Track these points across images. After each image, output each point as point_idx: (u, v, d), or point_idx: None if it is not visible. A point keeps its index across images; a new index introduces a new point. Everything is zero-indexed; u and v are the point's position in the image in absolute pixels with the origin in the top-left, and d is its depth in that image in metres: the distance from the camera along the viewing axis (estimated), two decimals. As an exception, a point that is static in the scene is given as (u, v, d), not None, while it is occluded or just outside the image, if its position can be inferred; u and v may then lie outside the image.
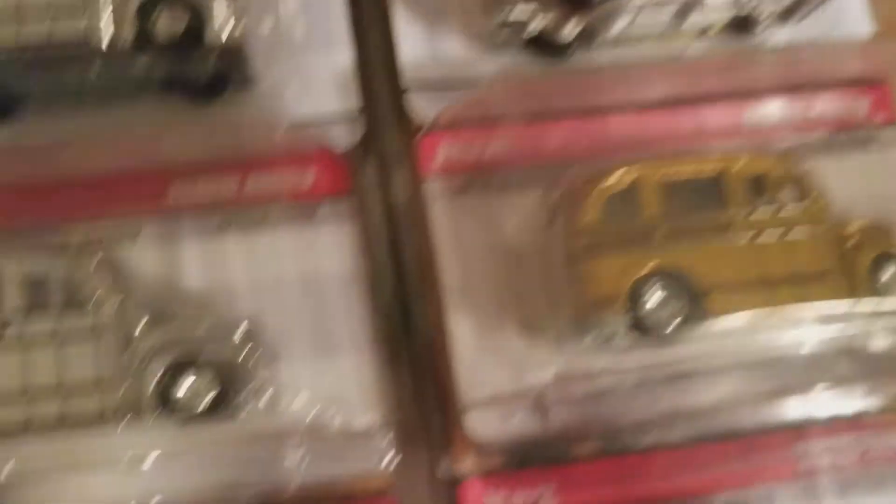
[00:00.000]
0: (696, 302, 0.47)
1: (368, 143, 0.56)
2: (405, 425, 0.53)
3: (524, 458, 0.52)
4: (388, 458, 0.51)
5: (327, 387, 0.51)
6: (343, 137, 0.55)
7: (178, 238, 0.53)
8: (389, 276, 0.55)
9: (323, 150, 0.54)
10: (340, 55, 0.57)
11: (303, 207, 0.54)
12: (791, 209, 0.50)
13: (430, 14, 0.57)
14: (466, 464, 0.53)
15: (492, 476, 0.52)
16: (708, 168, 0.50)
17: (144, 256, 0.52)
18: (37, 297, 0.43)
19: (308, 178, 0.54)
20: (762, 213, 0.49)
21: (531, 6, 0.54)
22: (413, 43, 0.57)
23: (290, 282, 0.53)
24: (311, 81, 0.56)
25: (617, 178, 0.49)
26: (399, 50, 0.57)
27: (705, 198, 0.49)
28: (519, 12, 0.54)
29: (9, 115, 0.53)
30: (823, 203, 0.51)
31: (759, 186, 0.50)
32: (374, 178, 0.56)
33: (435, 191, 0.55)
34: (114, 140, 0.53)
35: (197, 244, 0.53)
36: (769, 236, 0.49)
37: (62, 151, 0.53)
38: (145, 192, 0.53)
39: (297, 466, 0.49)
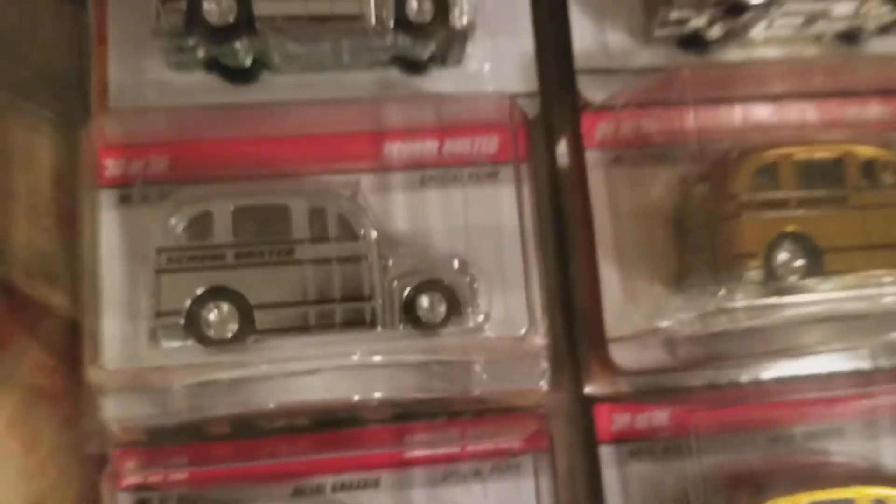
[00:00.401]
0: (816, 259, 0.60)
1: (543, 118, 0.68)
2: (559, 353, 0.66)
3: (651, 388, 0.66)
4: (545, 379, 0.64)
5: (503, 316, 0.64)
6: (523, 112, 0.67)
7: (390, 189, 0.65)
8: (554, 230, 0.68)
9: (506, 122, 0.66)
10: (525, 42, 0.68)
11: (488, 169, 0.66)
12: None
13: (600, 10, 0.69)
14: (604, 387, 0.66)
15: (621, 401, 0.66)
16: (832, 152, 0.62)
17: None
18: (319, 227, 0.55)
19: (493, 144, 0.66)
20: (871, 191, 0.61)
21: (688, 10, 0.65)
22: (584, 34, 0.68)
23: (477, 230, 0.65)
24: (502, 63, 0.67)
25: (763, 156, 0.61)
26: (572, 40, 0.68)
27: (828, 176, 0.61)
28: (677, 14, 0.65)
29: (256, 79, 0.64)
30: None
31: (869, 169, 0.62)
32: (546, 147, 0.69)
33: (594, 160, 0.67)
34: (343, 104, 0.65)
35: (404, 196, 0.65)
36: (876, 211, 0.61)
37: (299, 111, 0.65)
38: (365, 151, 0.65)
39: (480, 377, 0.63)
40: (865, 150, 0.61)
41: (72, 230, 0.64)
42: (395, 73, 0.65)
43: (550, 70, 0.68)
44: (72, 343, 0.62)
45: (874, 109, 0.70)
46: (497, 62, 0.66)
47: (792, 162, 0.60)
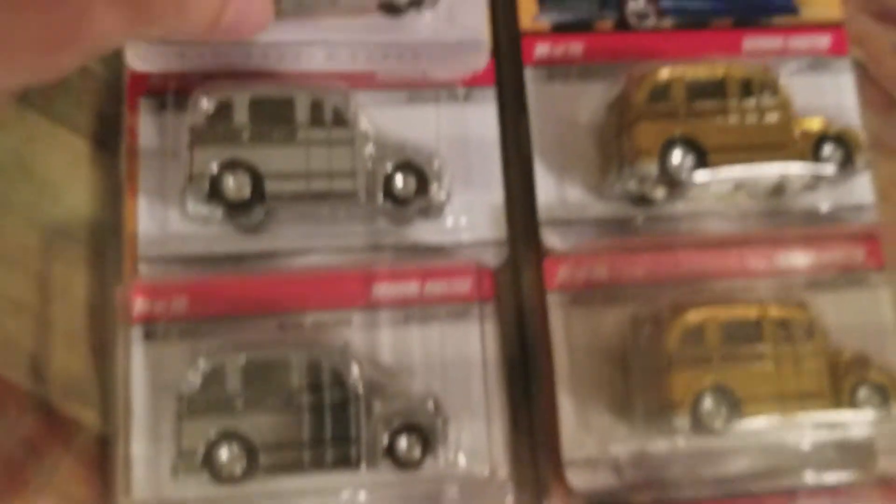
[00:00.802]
0: (735, 406, 0.71)
1: (511, 262, 0.79)
2: (522, 475, 0.76)
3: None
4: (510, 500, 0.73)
5: (473, 447, 0.72)
6: (493, 257, 0.78)
7: (378, 326, 0.76)
8: (521, 362, 0.78)
9: (478, 267, 0.77)
10: (496, 197, 0.78)
11: (461, 308, 0.77)
12: (803, 344, 0.73)
13: (560, 170, 0.79)
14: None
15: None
16: (752, 312, 0.73)
17: (354, 339, 0.75)
18: (315, 379, 0.66)
19: (467, 286, 0.77)
20: (786, 345, 0.72)
21: (635, 184, 0.76)
22: (547, 190, 0.79)
23: (450, 364, 0.76)
24: (476, 215, 0.77)
25: (692, 316, 0.72)
26: (537, 195, 0.79)
27: (750, 334, 0.72)
28: (625, 187, 0.76)
29: (265, 231, 0.75)
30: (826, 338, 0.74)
31: (786, 326, 0.73)
32: (513, 288, 0.79)
33: (554, 301, 0.78)
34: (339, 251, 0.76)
35: (390, 331, 0.76)
36: (790, 364, 0.72)
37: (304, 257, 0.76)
38: (356, 290, 0.75)
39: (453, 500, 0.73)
40: (780, 311, 0.71)
41: (103, 357, 0.75)
42: (384, 225, 0.76)
43: (518, 221, 0.79)
44: (102, 455, 0.73)
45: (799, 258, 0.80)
46: (472, 215, 0.77)
47: (716, 324, 0.70)
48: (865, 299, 0.80)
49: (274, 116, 0.67)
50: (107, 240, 0.77)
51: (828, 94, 0.82)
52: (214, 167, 0.65)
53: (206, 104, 0.67)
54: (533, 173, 0.78)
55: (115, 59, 0.78)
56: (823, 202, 0.81)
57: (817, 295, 0.78)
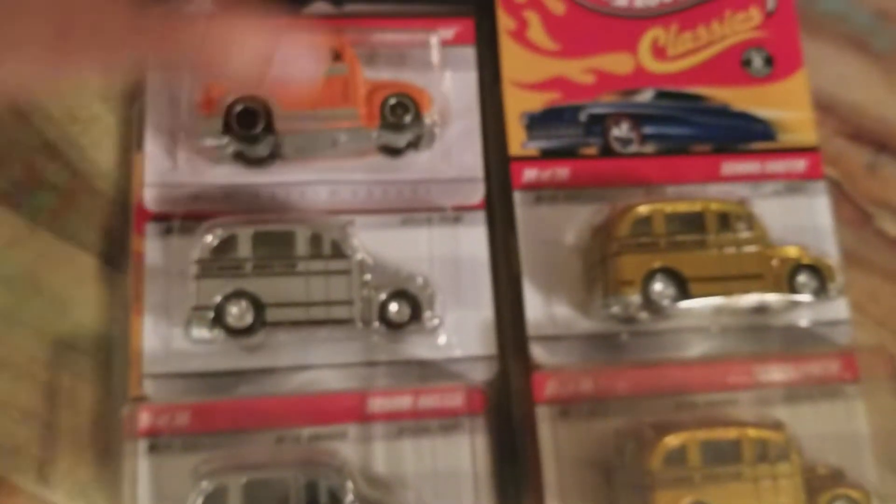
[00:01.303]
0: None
1: (501, 377, 0.82)
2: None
3: None
4: None
5: None
6: (484, 371, 0.82)
7: (372, 439, 0.79)
8: (511, 472, 0.81)
9: (469, 383, 0.80)
10: (486, 314, 0.82)
11: (452, 421, 0.80)
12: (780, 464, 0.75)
13: (548, 290, 0.83)
14: None
15: None
16: (730, 434, 0.76)
17: (348, 451, 0.78)
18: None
19: (458, 400, 0.80)
20: (763, 464, 0.75)
21: (620, 310, 0.80)
22: (535, 307, 0.83)
23: (443, 475, 0.79)
24: (467, 332, 0.81)
25: (670, 440, 0.75)
26: (525, 312, 0.83)
27: (729, 455, 0.75)
28: (613, 310, 0.80)
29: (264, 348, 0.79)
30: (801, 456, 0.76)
31: (763, 446, 0.76)
32: (503, 402, 0.83)
33: (542, 414, 0.81)
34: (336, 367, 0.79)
35: (383, 445, 0.79)
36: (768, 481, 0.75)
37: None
38: (352, 405, 0.78)
39: None
40: (759, 432, 0.74)
41: (107, 462, 0.78)
42: (379, 342, 0.79)
43: (507, 337, 0.83)
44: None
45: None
46: (463, 333, 0.80)
47: (696, 442, 0.73)
48: (840, 410, 0.83)
49: (276, 249, 0.71)
50: (113, 353, 0.80)
51: (803, 216, 0.86)
52: (218, 298, 0.69)
53: (211, 239, 0.71)
54: (522, 291, 0.82)
55: (122, 181, 0.83)
56: (802, 319, 0.84)
57: (795, 406, 0.81)
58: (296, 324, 0.70)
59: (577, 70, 0.86)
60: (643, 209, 0.77)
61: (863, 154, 0.94)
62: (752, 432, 0.73)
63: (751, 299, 0.76)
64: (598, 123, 0.86)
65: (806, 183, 0.87)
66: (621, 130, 0.86)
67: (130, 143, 0.83)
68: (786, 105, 0.89)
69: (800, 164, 0.87)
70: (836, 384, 0.83)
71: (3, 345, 0.80)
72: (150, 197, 0.80)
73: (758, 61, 0.90)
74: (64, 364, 0.81)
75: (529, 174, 0.85)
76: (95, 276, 0.83)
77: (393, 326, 0.73)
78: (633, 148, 0.86)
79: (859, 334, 0.88)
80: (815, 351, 0.81)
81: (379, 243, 0.80)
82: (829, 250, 0.85)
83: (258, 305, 0.70)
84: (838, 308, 0.84)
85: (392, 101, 0.77)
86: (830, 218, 0.86)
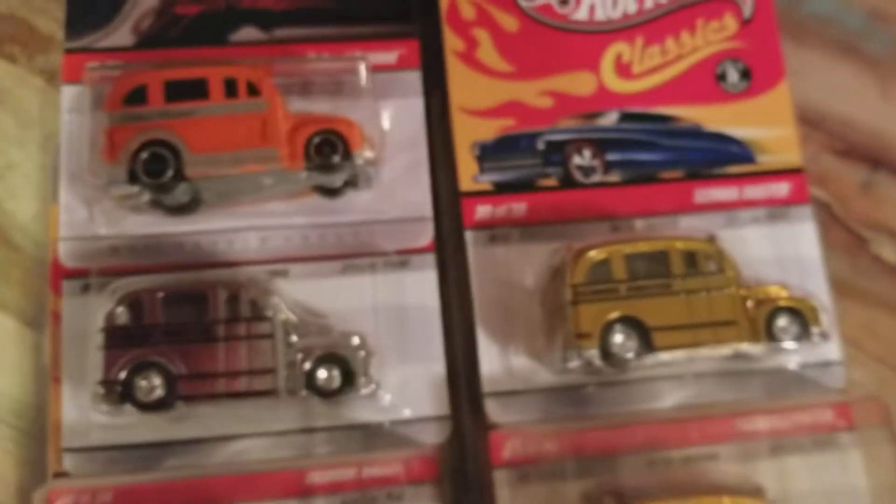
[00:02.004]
0: None
1: (455, 438, 0.75)
2: None
3: None
4: None
5: None
6: (435, 433, 0.74)
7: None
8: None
9: (418, 449, 0.73)
10: (437, 369, 0.75)
11: (398, 490, 0.72)
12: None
13: (505, 339, 0.76)
14: None
15: None
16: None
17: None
18: None
19: (413, 468, 0.73)
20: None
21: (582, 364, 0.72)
22: (491, 360, 0.76)
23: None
24: (415, 390, 0.74)
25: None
26: (480, 365, 0.76)
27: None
28: (572, 365, 0.72)
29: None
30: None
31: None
32: (458, 465, 0.75)
33: (501, 478, 0.74)
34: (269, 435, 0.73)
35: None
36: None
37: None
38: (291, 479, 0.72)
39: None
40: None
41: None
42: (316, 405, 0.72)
43: (461, 395, 0.75)
44: None
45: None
46: (411, 391, 0.73)
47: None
48: (835, 461, 0.75)
49: (188, 314, 0.64)
50: (34, 422, 0.74)
51: (787, 245, 0.78)
52: (124, 372, 0.62)
53: (118, 306, 0.64)
54: (475, 342, 0.74)
55: (42, 234, 0.77)
56: (789, 362, 0.76)
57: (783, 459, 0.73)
58: (213, 397, 0.63)
59: (533, 93, 0.79)
60: (600, 252, 0.69)
61: (856, 172, 0.85)
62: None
63: (724, 350, 0.68)
64: (558, 151, 0.78)
65: (790, 208, 0.79)
66: (583, 158, 0.78)
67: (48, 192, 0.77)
68: (766, 122, 0.80)
69: (782, 188, 0.79)
70: (828, 433, 0.74)
71: (-86, 417, 0.74)
72: (65, 251, 0.73)
73: (733, 75, 0.81)
74: (-17, 435, 0.75)
75: (483, 211, 0.77)
76: (13, 339, 0.77)
77: (323, 395, 0.65)
78: (597, 177, 0.78)
79: (856, 373, 0.79)
80: (802, 402, 0.73)
81: (316, 294, 0.74)
82: (817, 284, 0.77)
83: (169, 377, 0.63)
84: (829, 348, 0.76)
85: (317, 139, 0.69)
86: (818, 246, 0.78)
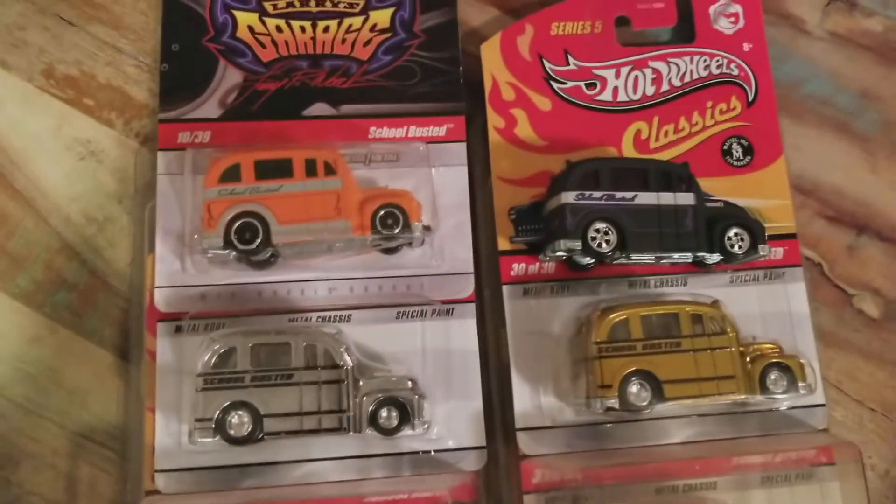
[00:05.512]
0: None
1: (492, 466, 0.87)
2: None
3: None
4: None
5: None
6: (474, 461, 0.87)
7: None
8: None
9: (460, 474, 0.85)
10: (475, 406, 0.87)
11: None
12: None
13: (534, 381, 0.88)
14: None
15: None
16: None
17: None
18: None
19: (456, 491, 0.84)
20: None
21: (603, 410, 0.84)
22: (522, 398, 0.88)
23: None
24: (457, 424, 0.85)
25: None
26: (513, 403, 0.88)
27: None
28: (595, 410, 0.84)
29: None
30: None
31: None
32: (492, 490, 0.88)
33: (531, 501, 0.86)
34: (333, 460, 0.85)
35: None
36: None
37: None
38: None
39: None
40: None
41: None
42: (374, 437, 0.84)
43: (496, 427, 0.87)
44: None
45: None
46: (453, 424, 0.85)
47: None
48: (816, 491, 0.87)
49: (273, 360, 0.76)
50: (129, 444, 0.86)
51: (780, 302, 0.90)
52: (219, 411, 0.75)
53: (211, 354, 0.76)
54: (510, 383, 0.86)
55: (136, 279, 0.88)
56: (782, 404, 0.88)
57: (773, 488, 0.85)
58: (291, 433, 0.75)
59: (563, 164, 0.90)
60: (620, 314, 0.81)
61: (843, 236, 0.97)
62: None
63: (723, 400, 0.80)
64: (582, 218, 0.90)
65: (783, 269, 0.91)
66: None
67: (143, 242, 0.89)
68: (765, 194, 0.92)
69: (778, 252, 0.91)
70: (811, 467, 0.86)
71: (25, 437, 0.86)
72: (160, 297, 0.85)
73: (738, 150, 0.93)
74: (84, 456, 0.86)
75: (517, 268, 0.89)
76: (112, 371, 0.89)
77: (383, 432, 0.77)
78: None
79: (838, 412, 0.91)
80: (790, 444, 0.85)
81: (375, 337, 0.85)
82: (805, 335, 0.89)
83: (256, 415, 0.75)
84: (815, 394, 0.88)
85: (382, 212, 0.81)
86: (806, 304, 0.90)
